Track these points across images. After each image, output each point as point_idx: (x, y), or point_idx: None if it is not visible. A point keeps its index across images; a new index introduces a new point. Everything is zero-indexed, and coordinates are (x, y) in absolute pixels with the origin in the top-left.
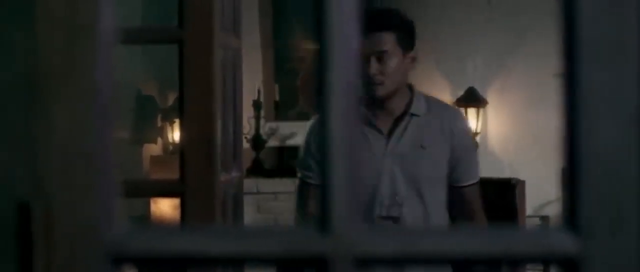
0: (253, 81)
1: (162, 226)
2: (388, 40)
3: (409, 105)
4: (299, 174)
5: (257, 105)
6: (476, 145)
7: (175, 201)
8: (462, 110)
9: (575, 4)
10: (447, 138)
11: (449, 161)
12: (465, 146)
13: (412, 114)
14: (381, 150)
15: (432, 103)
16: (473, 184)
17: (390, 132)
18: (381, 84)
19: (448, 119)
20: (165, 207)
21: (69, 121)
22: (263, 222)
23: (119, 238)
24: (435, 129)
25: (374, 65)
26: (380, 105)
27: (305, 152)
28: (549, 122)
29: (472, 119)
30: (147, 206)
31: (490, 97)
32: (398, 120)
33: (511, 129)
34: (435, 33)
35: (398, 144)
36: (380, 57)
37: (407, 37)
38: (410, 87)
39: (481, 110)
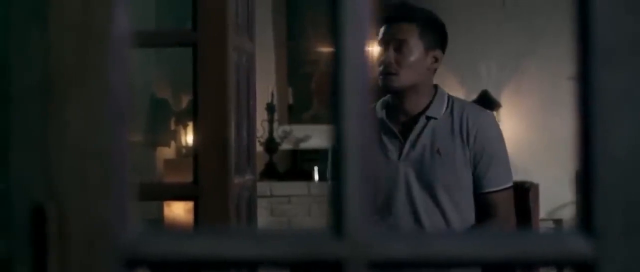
0: (267, 84)
1: (177, 229)
2: (409, 31)
3: (427, 106)
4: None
5: (270, 108)
6: (503, 150)
7: (189, 204)
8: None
9: (591, 7)
10: (467, 143)
11: (470, 167)
12: (488, 151)
13: (428, 117)
14: (396, 155)
15: (457, 105)
16: (496, 191)
17: (406, 136)
18: (396, 74)
19: (470, 122)
20: (179, 210)
21: (83, 123)
22: (276, 225)
23: (133, 241)
24: (455, 133)
25: (391, 54)
26: (398, 104)
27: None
28: (563, 125)
29: None
30: (161, 209)
31: (504, 100)
32: (413, 122)
33: (525, 132)
34: (449, 35)
35: (413, 149)
36: (399, 46)
37: (431, 34)
38: (436, 88)
39: (495, 113)
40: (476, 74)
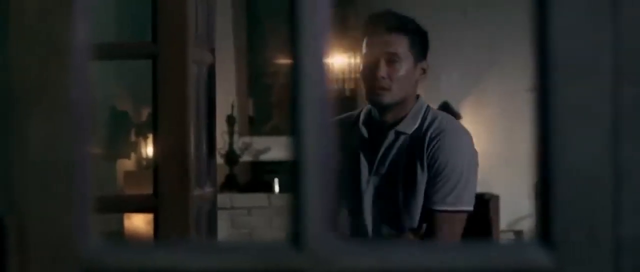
0: (227, 96)
1: (137, 241)
2: (401, 43)
3: (398, 121)
4: None
5: (230, 120)
6: (464, 172)
7: (149, 216)
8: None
9: (550, 22)
10: (425, 157)
11: (422, 184)
12: (446, 166)
13: (397, 132)
14: (366, 175)
15: (430, 119)
16: (443, 211)
17: (377, 151)
18: (389, 90)
19: (433, 135)
20: (139, 222)
21: (44, 137)
22: (237, 237)
23: (93, 253)
24: (423, 148)
25: (384, 68)
26: (380, 118)
27: None
28: (523, 136)
29: None
30: (122, 221)
31: (465, 111)
32: (385, 134)
33: (485, 144)
34: None
35: (382, 165)
36: (391, 60)
37: (420, 45)
38: (417, 100)
39: None
40: (437, 85)
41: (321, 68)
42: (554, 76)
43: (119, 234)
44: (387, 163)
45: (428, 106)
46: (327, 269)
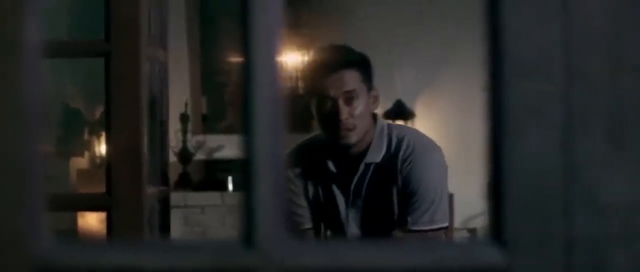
0: (180, 94)
1: (90, 239)
2: (354, 79)
3: (366, 149)
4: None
5: (184, 118)
6: (434, 191)
7: (103, 215)
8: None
9: (502, 20)
10: (399, 179)
11: (398, 205)
12: (420, 187)
13: (366, 163)
14: (344, 208)
15: (396, 139)
16: (421, 231)
17: (350, 183)
18: (353, 130)
19: (404, 157)
20: (93, 221)
21: None
22: (191, 235)
23: (46, 252)
24: (396, 172)
25: (345, 109)
26: (344, 152)
27: (289, 190)
28: (477, 134)
29: None
30: (75, 219)
31: (418, 109)
32: (355, 167)
33: (439, 142)
34: (364, 46)
35: (358, 197)
36: (349, 98)
37: (368, 73)
38: (375, 125)
39: (409, 123)
40: (390, 83)
41: (273, 66)
42: (506, 74)
43: (72, 233)
44: (362, 195)
45: (388, 125)
46: (278, 268)
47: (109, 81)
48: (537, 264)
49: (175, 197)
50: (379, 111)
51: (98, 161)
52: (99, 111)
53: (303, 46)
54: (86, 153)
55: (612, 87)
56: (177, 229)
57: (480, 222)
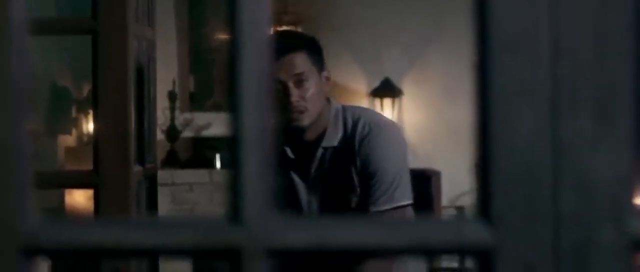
0: (168, 72)
1: (76, 217)
2: (303, 61)
3: (323, 133)
4: None
5: (172, 96)
6: (394, 169)
7: (90, 192)
8: (377, 103)
9: None
10: (357, 160)
11: (360, 187)
12: (378, 169)
13: (325, 147)
14: (305, 194)
15: (351, 121)
16: (379, 211)
17: (309, 168)
18: (304, 112)
19: (361, 137)
20: (80, 198)
21: None
22: (178, 213)
23: (32, 230)
24: (350, 154)
25: (295, 92)
26: (299, 137)
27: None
28: (465, 112)
29: (388, 110)
30: (62, 197)
31: (406, 87)
32: (312, 152)
33: (427, 120)
34: (352, 24)
35: (318, 181)
36: (299, 81)
37: (318, 56)
38: (330, 108)
39: (397, 101)
40: (378, 61)
41: (260, 44)
42: (493, 52)
43: (59, 210)
44: (322, 180)
45: (343, 107)
46: (266, 245)
47: (96, 59)
48: (524, 241)
49: (163, 175)
50: (367, 89)
51: (85, 138)
52: (86, 89)
53: (291, 24)
54: (74, 131)
55: (600, 64)
56: (164, 207)
57: (468, 200)
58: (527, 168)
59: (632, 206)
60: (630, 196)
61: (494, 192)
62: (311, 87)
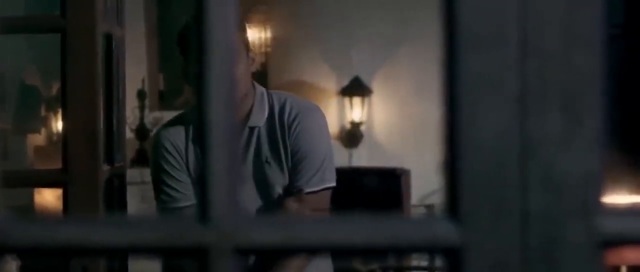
0: (137, 71)
1: (45, 216)
2: None
3: (248, 114)
4: (157, 201)
5: (141, 95)
6: (320, 150)
7: (59, 191)
8: (346, 100)
9: None
10: (288, 144)
11: (289, 170)
12: (309, 151)
13: (251, 127)
14: None
15: (278, 106)
16: (309, 192)
17: None
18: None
19: (290, 121)
20: (49, 197)
21: None
22: (147, 211)
23: (1, 228)
24: (279, 136)
25: None
26: None
27: (158, 170)
28: (434, 111)
29: (358, 109)
30: (32, 196)
31: (376, 86)
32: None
33: (396, 118)
34: (321, 22)
35: (243, 164)
36: None
37: (244, 35)
38: (255, 90)
39: (366, 100)
40: (347, 60)
41: (227, 41)
42: (461, 49)
43: (29, 209)
44: (248, 162)
45: (267, 91)
46: (233, 244)
47: (65, 58)
48: (492, 239)
49: (133, 173)
50: (337, 88)
51: (55, 137)
52: (55, 88)
53: (260, 23)
54: (43, 130)
55: (568, 62)
56: (134, 206)
57: (438, 199)
58: (495, 166)
59: (601, 204)
60: (599, 194)
61: (462, 190)
62: (239, 64)
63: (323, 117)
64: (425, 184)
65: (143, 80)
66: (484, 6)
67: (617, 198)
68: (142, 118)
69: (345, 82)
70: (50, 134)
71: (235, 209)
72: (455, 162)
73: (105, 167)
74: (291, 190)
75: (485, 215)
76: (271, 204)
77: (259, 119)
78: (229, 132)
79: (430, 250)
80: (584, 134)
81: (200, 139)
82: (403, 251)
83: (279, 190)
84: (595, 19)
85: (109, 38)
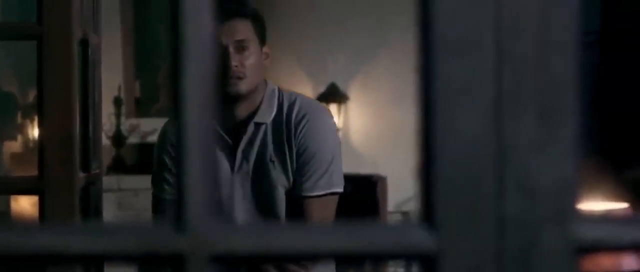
0: (114, 77)
1: (20, 222)
2: (246, 28)
3: (256, 110)
4: (152, 191)
5: (117, 101)
6: (328, 154)
7: (36, 198)
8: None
9: (434, 1)
10: (293, 144)
11: (293, 171)
12: (317, 152)
13: (257, 123)
14: (228, 168)
15: (288, 105)
16: (311, 196)
17: (236, 146)
18: (243, 78)
19: (297, 120)
20: (26, 204)
21: None
22: (124, 219)
23: None
24: (286, 136)
25: (235, 57)
26: (229, 110)
27: (160, 164)
28: (411, 117)
29: (334, 115)
30: (8, 203)
31: (352, 93)
32: (242, 128)
33: (373, 125)
34: (297, 29)
35: (246, 161)
36: (240, 47)
37: (261, 29)
38: (266, 86)
39: (343, 106)
40: (324, 66)
41: (203, 46)
42: (436, 55)
43: (5, 216)
44: (251, 159)
45: (279, 89)
46: (208, 252)
47: (41, 65)
48: (468, 245)
49: (109, 180)
50: (313, 94)
51: (31, 144)
52: (32, 95)
53: None
54: (19, 137)
55: (542, 67)
56: (110, 213)
57: (414, 206)
58: (470, 172)
59: (577, 210)
60: (574, 200)
61: (437, 196)
62: (251, 55)
63: (332, 119)
64: (402, 190)
65: (119, 87)
66: (459, 12)
67: (593, 205)
68: (118, 125)
69: (322, 88)
70: (26, 141)
71: (210, 216)
72: (430, 168)
73: (82, 175)
74: (294, 193)
75: (460, 221)
76: (271, 205)
77: (267, 115)
78: (205, 136)
79: (406, 257)
80: (559, 140)
81: (176, 143)
82: (379, 258)
83: (281, 191)
84: (570, 24)
85: (85, 45)
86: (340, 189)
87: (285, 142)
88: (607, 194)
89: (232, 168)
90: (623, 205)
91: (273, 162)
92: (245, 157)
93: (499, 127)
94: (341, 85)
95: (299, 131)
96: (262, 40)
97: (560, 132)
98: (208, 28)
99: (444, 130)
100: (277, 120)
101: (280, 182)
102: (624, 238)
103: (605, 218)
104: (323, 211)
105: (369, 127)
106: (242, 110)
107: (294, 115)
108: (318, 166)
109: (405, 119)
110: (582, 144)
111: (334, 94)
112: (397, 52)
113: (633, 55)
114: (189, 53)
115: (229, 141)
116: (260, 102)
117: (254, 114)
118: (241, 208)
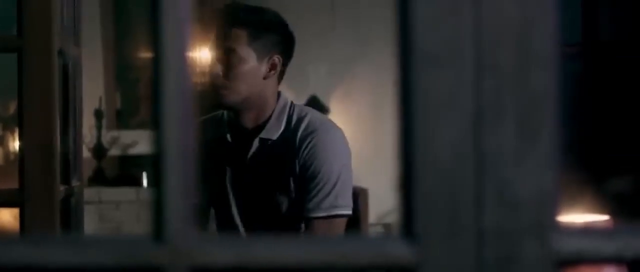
0: (94, 90)
1: (1, 235)
2: (237, 38)
3: (263, 125)
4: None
5: (98, 114)
6: (335, 175)
7: (16, 211)
8: None
9: (412, 10)
10: (297, 162)
11: (296, 190)
12: (320, 171)
13: (262, 139)
14: (229, 179)
15: (296, 118)
16: (316, 217)
17: (242, 158)
18: (226, 89)
19: (303, 137)
20: (6, 217)
21: None
22: (105, 231)
23: None
24: (290, 152)
25: (216, 66)
26: (234, 120)
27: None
28: (392, 129)
29: None
30: None
31: (333, 105)
32: (249, 142)
33: (354, 137)
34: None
35: (247, 175)
36: (225, 56)
37: (267, 38)
38: (277, 99)
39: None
40: (305, 79)
41: (183, 61)
42: (416, 66)
43: None
44: (253, 173)
45: (292, 104)
46: (188, 264)
47: (22, 77)
48: (447, 257)
49: (90, 193)
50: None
51: (12, 156)
52: (13, 107)
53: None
54: (0, 149)
55: (522, 79)
56: (91, 225)
57: (396, 218)
58: (450, 184)
59: (557, 222)
60: (554, 212)
61: (416, 208)
62: (239, 67)
63: (342, 137)
64: (383, 202)
65: (100, 100)
66: (439, 23)
67: (574, 217)
68: (99, 137)
69: (303, 100)
70: (7, 153)
71: (190, 228)
72: (410, 180)
73: (62, 187)
74: (297, 213)
75: (440, 233)
76: (269, 222)
77: (273, 132)
78: (184, 149)
79: (385, 269)
80: (539, 152)
81: (154, 162)
82: (357, 270)
83: (283, 210)
84: (549, 36)
85: (65, 57)
86: (348, 212)
87: (291, 159)
88: (587, 206)
89: (235, 179)
90: (604, 217)
91: (276, 179)
92: (249, 170)
93: (479, 139)
94: (322, 97)
95: (303, 148)
96: (267, 50)
97: (540, 144)
98: (187, 47)
99: (423, 142)
100: (285, 136)
101: (282, 201)
102: (604, 250)
103: (586, 230)
104: (327, 234)
105: (349, 139)
106: (248, 122)
107: (300, 131)
108: (322, 186)
109: (386, 130)
110: (562, 156)
111: (315, 106)
112: (378, 64)
113: (614, 66)
114: (169, 71)
115: (237, 151)
116: (270, 117)
117: (261, 128)
118: (239, 221)
